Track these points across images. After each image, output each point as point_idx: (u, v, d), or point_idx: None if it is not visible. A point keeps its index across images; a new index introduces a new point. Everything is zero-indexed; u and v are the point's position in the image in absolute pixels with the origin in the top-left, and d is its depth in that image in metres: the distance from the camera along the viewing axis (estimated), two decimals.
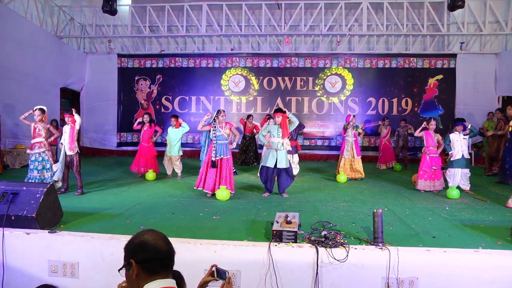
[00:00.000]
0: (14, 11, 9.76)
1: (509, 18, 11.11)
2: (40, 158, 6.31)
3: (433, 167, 6.88)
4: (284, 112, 6.40)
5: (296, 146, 8.48)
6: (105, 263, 3.79)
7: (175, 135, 8.08)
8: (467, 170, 6.79)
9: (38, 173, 6.26)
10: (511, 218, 4.27)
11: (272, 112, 6.40)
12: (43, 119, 6.42)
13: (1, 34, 9.01)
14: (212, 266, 2.54)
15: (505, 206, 5.72)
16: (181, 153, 8.19)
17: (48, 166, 6.36)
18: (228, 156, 6.27)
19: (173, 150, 8.06)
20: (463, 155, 6.72)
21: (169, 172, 8.27)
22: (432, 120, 7.11)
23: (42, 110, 6.39)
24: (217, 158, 6.15)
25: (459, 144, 6.73)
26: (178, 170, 8.21)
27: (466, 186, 6.80)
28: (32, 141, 6.36)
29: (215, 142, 6.18)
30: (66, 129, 6.41)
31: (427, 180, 6.92)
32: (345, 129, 8.34)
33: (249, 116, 11.05)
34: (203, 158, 6.73)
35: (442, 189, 6.87)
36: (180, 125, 8.10)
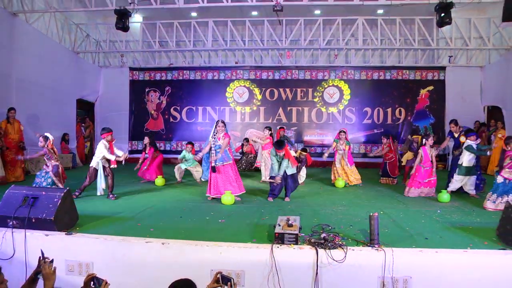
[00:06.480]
0: (37, 29, 9.95)
1: (491, 34, 11.22)
2: (43, 180, 6.19)
3: (428, 178, 6.82)
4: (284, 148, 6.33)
5: (306, 157, 8.44)
6: (117, 263, 3.81)
7: (187, 158, 8.31)
8: (474, 177, 6.71)
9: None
10: (497, 220, 4.26)
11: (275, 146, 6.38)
12: (48, 145, 6.20)
13: (25, 50, 9.18)
14: (217, 273, 2.53)
15: (483, 207, 5.73)
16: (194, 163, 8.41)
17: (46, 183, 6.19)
18: (229, 162, 6.30)
19: (187, 164, 8.31)
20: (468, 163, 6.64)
21: (179, 178, 8.35)
22: (430, 136, 7.03)
23: (44, 138, 6.23)
24: (215, 165, 6.27)
25: (469, 154, 6.58)
26: (197, 176, 8.42)
27: (473, 191, 6.73)
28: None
29: (214, 150, 6.31)
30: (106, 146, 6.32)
31: (419, 187, 6.86)
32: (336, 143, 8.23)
33: (247, 140, 10.99)
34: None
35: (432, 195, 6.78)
36: (195, 152, 8.22)
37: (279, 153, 6.24)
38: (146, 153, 8.30)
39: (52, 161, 6.20)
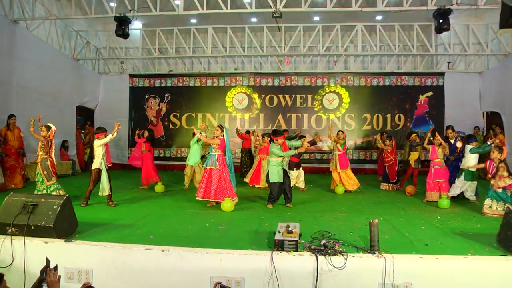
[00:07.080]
0: (37, 36, 10.02)
1: (489, 40, 11.29)
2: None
3: (437, 179, 6.84)
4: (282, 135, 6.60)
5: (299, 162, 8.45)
6: (117, 270, 3.80)
7: (194, 146, 8.23)
8: (476, 183, 6.74)
9: (40, 185, 6.34)
10: (497, 226, 4.26)
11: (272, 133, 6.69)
12: (49, 135, 6.47)
13: (25, 57, 9.24)
14: (216, 284, 2.50)
15: (482, 213, 5.77)
16: (197, 164, 8.25)
17: (41, 179, 6.34)
18: (214, 167, 6.29)
19: (190, 159, 8.18)
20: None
21: (186, 184, 8.26)
22: (437, 134, 7.10)
23: (47, 127, 6.50)
24: (206, 167, 6.38)
25: (474, 158, 6.59)
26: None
27: (473, 197, 6.76)
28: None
29: (208, 154, 6.54)
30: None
31: (432, 191, 6.86)
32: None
33: (248, 132, 11.01)
34: None
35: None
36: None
37: (278, 140, 6.37)
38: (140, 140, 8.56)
39: (41, 152, 6.35)
